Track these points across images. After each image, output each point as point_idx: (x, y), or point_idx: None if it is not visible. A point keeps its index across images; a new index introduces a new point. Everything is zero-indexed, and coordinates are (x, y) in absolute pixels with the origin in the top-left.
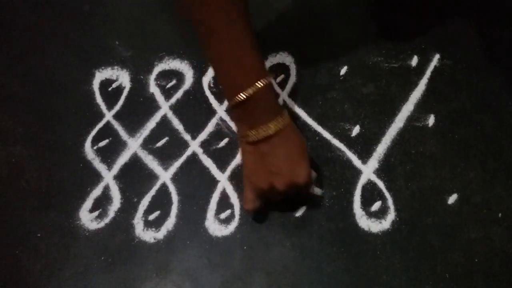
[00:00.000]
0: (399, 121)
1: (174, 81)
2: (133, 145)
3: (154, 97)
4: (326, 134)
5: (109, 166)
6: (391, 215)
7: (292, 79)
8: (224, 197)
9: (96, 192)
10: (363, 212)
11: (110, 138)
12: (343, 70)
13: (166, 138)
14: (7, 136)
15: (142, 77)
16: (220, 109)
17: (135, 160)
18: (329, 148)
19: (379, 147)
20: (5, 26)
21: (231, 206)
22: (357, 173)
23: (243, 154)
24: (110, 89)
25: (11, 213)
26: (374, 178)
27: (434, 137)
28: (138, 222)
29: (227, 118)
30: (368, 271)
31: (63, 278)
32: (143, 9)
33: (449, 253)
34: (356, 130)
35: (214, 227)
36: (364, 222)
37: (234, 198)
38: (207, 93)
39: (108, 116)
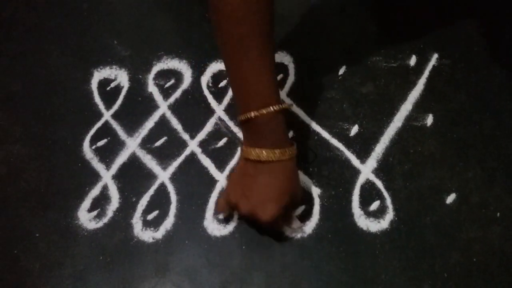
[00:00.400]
0: (398, 121)
1: (172, 81)
2: (132, 144)
3: (152, 96)
4: (325, 134)
5: (108, 166)
6: (389, 215)
7: (291, 78)
8: None
9: (95, 191)
10: (362, 212)
11: (109, 138)
12: (342, 70)
13: (165, 138)
14: (5, 136)
15: (140, 76)
16: (219, 109)
17: (133, 159)
18: (328, 148)
19: (377, 147)
20: (5, 26)
21: None
22: (356, 172)
23: (238, 161)
24: (108, 88)
25: (10, 212)
26: (372, 177)
27: (432, 136)
28: (136, 221)
29: (225, 117)
30: (366, 270)
31: (62, 277)
32: (141, 8)
33: (447, 253)
34: (354, 129)
35: (213, 227)
36: (363, 222)
37: None
38: (206, 92)
39: (107, 115)
